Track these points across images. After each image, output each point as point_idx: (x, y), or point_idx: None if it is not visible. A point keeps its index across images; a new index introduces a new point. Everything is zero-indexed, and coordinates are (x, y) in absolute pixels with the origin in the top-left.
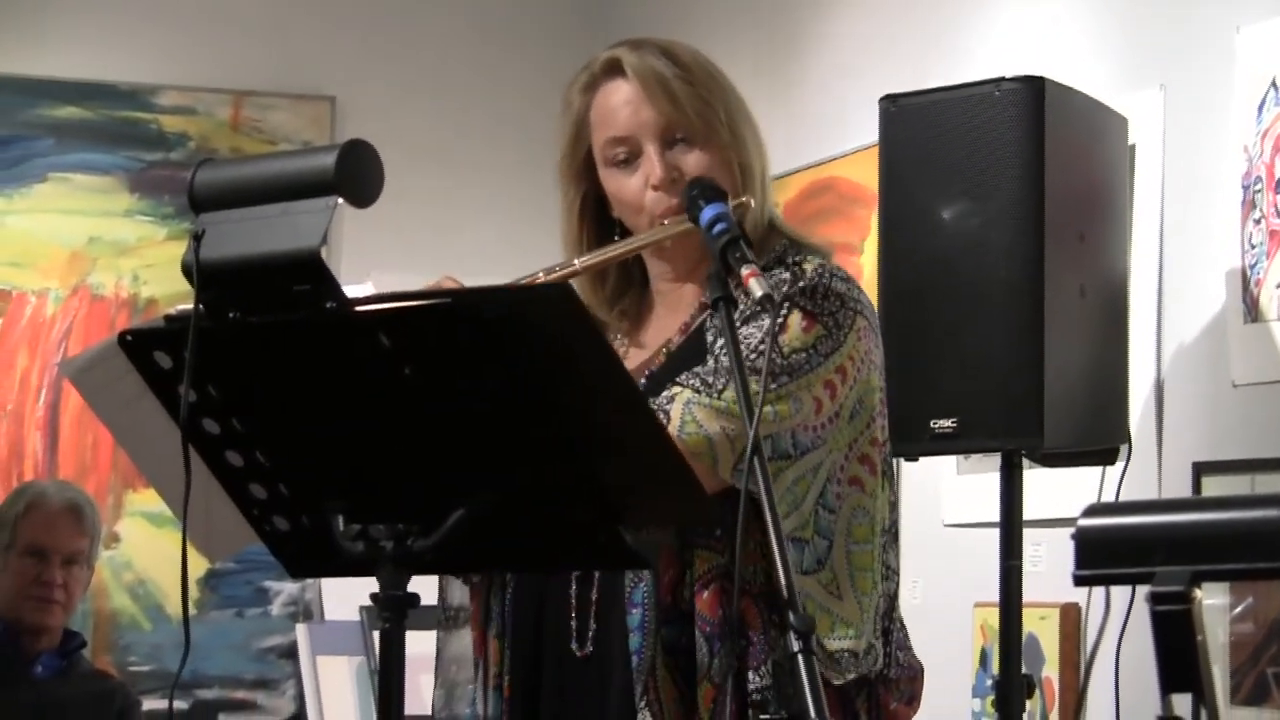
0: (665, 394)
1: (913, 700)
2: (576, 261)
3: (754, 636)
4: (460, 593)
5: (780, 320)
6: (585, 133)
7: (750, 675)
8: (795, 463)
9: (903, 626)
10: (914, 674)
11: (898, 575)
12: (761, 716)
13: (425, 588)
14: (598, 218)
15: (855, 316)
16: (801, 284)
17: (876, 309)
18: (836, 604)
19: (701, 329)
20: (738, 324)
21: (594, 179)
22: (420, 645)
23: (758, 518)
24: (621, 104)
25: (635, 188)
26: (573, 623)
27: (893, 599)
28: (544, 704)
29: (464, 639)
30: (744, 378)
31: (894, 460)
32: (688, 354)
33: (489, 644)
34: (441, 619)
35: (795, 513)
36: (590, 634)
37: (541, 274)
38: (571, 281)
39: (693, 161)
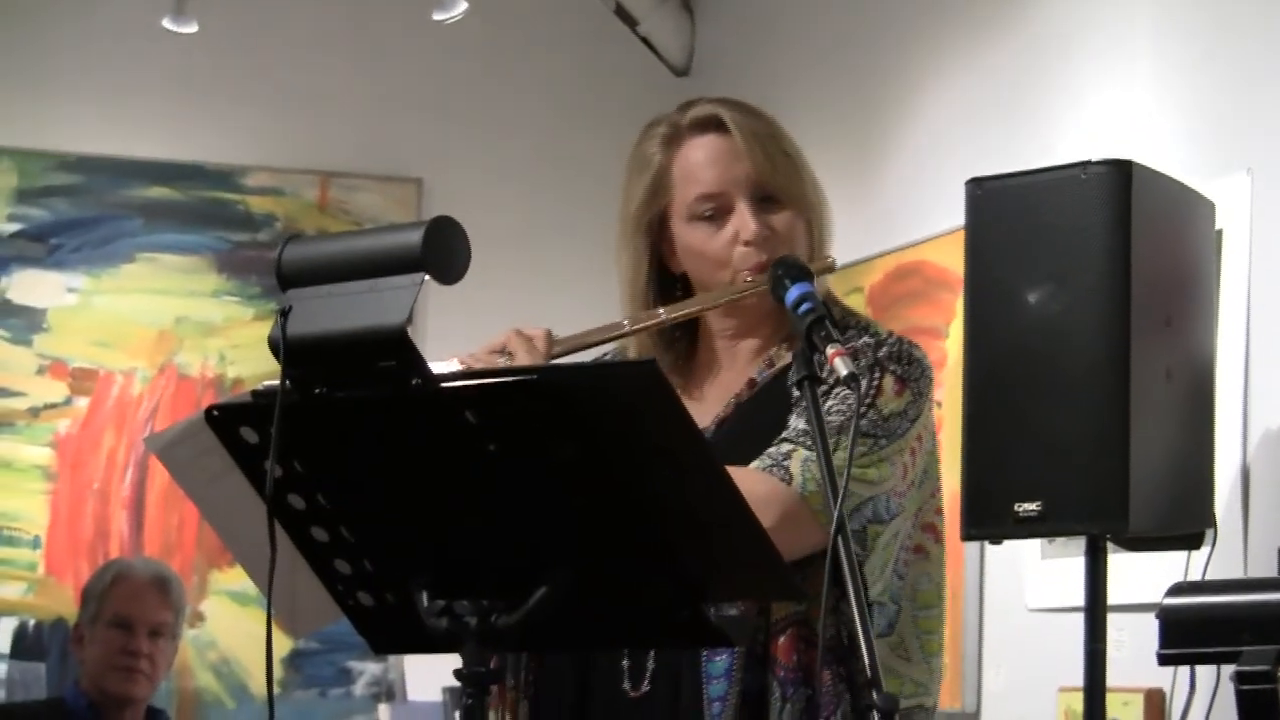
0: (778, 449)
1: None
2: (661, 311)
3: (822, 688)
4: None
5: (874, 386)
6: (666, 186)
7: None
8: (887, 526)
9: None
10: None
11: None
12: None
13: None
14: (658, 274)
15: (930, 385)
16: (885, 350)
17: (961, 392)
18: (905, 665)
19: (775, 385)
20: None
21: (658, 234)
22: None
23: (836, 582)
24: (715, 158)
25: (722, 242)
26: (624, 663)
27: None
28: None
29: None
30: (828, 455)
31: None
32: (757, 407)
33: (505, 697)
34: None
35: (880, 578)
36: (648, 673)
37: (626, 323)
38: (640, 338)
39: (781, 221)
